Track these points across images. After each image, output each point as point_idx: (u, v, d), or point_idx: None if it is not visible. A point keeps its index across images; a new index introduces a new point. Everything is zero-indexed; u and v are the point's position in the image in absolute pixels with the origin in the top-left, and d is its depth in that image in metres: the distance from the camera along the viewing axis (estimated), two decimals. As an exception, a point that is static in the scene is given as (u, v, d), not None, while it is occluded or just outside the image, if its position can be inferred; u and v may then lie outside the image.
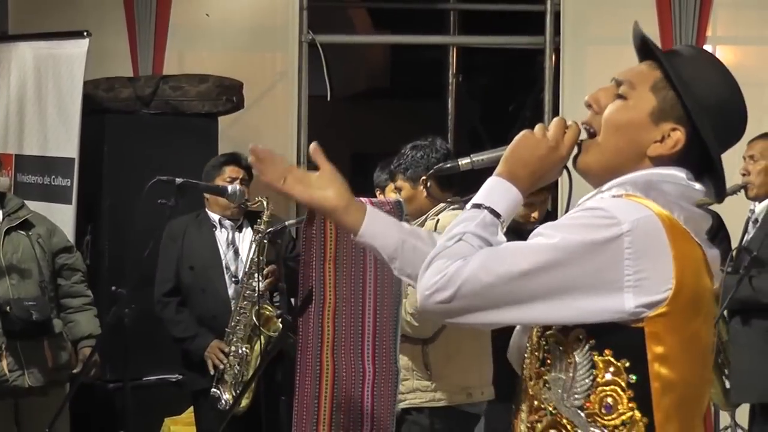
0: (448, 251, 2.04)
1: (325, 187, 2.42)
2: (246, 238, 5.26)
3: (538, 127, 2.18)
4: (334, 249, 2.94)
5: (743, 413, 5.51)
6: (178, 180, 4.51)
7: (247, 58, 7.40)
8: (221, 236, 5.34)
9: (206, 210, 5.40)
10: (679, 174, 2.13)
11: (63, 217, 5.91)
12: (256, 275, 4.93)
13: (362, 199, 2.92)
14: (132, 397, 4.87)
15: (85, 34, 6.21)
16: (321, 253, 2.95)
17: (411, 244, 2.37)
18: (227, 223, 5.34)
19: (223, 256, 5.29)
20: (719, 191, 2.20)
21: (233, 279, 5.23)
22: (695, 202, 2.14)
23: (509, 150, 2.16)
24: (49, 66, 6.33)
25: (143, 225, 5.20)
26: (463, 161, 2.32)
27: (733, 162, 5.64)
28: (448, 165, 2.37)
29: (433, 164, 4.35)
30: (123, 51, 7.15)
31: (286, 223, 4.84)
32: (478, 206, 2.11)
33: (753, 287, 4.77)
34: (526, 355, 2.21)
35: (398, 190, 4.41)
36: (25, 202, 5.24)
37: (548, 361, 2.13)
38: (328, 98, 7.74)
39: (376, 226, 2.37)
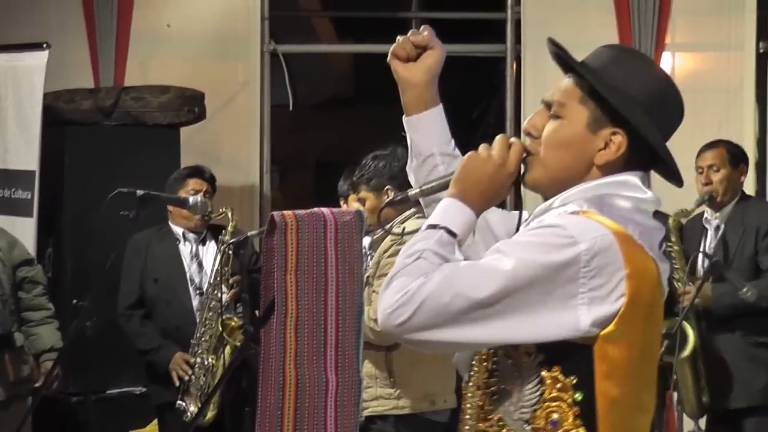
0: (408, 269, 2.05)
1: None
2: (210, 251, 5.26)
3: (482, 147, 2.19)
4: (295, 259, 2.93)
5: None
6: (140, 192, 4.49)
7: (208, 68, 7.38)
8: (185, 249, 5.34)
9: (170, 223, 5.39)
10: (631, 179, 2.15)
11: (24, 230, 5.88)
12: (221, 286, 4.93)
13: (322, 209, 2.93)
14: (95, 410, 4.86)
15: (44, 45, 6.19)
16: (282, 263, 2.94)
17: (433, 163, 2.44)
18: (191, 236, 5.35)
19: (187, 269, 5.30)
20: (676, 176, 2.22)
21: (198, 291, 5.23)
22: (649, 212, 2.16)
23: (458, 172, 2.18)
24: (9, 78, 6.30)
25: (105, 237, 5.19)
26: (413, 191, 2.35)
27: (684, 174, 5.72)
28: (399, 197, 2.40)
29: (396, 173, 4.36)
30: (84, 62, 7.12)
31: (248, 234, 4.84)
32: (433, 226, 2.13)
33: (752, 293, 4.80)
34: (474, 363, 2.22)
35: (362, 201, 4.40)
36: (-14, 216, 5.22)
37: (496, 373, 2.14)
38: (290, 107, 7.73)
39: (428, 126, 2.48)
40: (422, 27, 2.52)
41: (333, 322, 2.99)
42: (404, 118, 2.52)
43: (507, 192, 2.22)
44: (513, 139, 2.20)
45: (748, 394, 5.07)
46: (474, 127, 10.25)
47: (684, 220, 5.27)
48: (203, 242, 5.34)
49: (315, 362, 2.98)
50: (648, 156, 2.17)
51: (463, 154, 2.25)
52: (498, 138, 2.21)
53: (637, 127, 2.12)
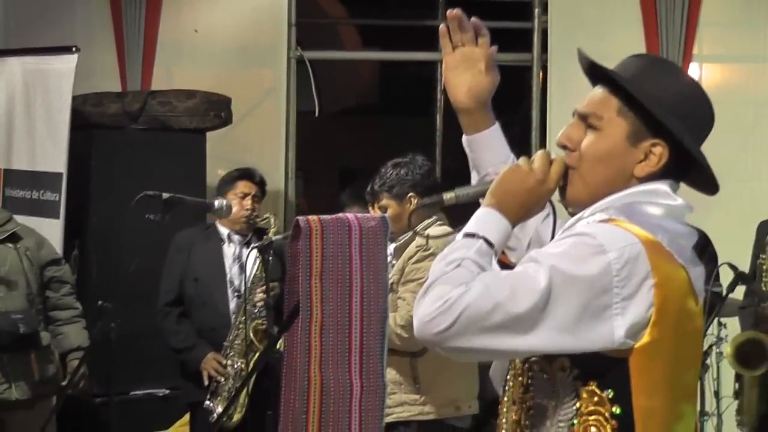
0: (448, 277, 2.03)
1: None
2: (252, 253, 5.26)
3: (522, 161, 2.19)
4: (320, 264, 2.94)
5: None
6: (165, 195, 4.52)
7: (235, 74, 7.41)
8: (228, 250, 5.36)
9: (216, 223, 5.42)
10: (661, 188, 2.15)
11: (51, 231, 5.91)
12: (256, 291, 4.95)
13: (347, 214, 2.94)
14: (118, 412, 4.88)
15: (73, 49, 6.23)
16: (307, 268, 2.95)
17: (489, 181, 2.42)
18: (236, 237, 5.37)
19: (228, 270, 5.32)
20: (710, 184, 2.22)
21: (236, 293, 5.24)
22: (680, 218, 2.16)
23: (497, 182, 2.17)
24: (38, 81, 6.34)
25: (130, 240, 5.21)
26: (448, 195, 2.32)
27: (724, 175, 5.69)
28: (433, 199, 2.39)
29: (418, 180, 4.37)
30: (111, 66, 7.17)
31: (273, 238, 4.87)
32: (471, 235, 2.11)
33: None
34: (508, 378, 2.22)
35: (383, 208, 4.40)
36: (13, 216, 5.25)
37: (532, 388, 2.14)
38: (316, 114, 7.76)
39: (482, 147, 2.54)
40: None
41: (358, 327, 3.00)
42: (463, 137, 2.57)
43: (542, 209, 2.23)
44: (555, 156, 2.20)
45: None
46: (499, 137, 10.22)
47: None
48: (247, 244, 5.35)
49: (340, 367, 2.99)
50: (683, 165, 2.17)
51: None
52: (540, 153, 2.20)
53: (679, 137, 2.12)
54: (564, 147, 2.21)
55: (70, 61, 6.22)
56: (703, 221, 5.22)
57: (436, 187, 4.26)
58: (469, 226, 2.14)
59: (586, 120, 2.18)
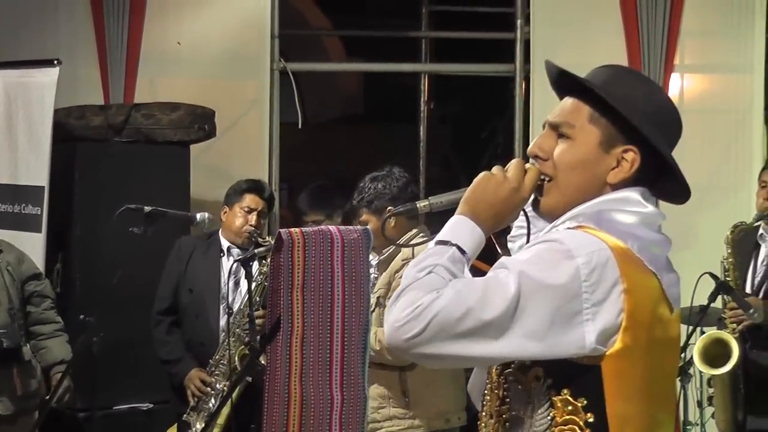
0: (419, 283, 2.04)
1: None
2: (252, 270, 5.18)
3: (497, 169, 2.19)
4: (302, 277, 2.95)
5: None
6: (147, 208, 4.51)
7: (218, 86, 7.40)
8: (227, 264, 5.23)
9: (219, 233, 5.35)
10: (632, 196, 2.15)
11: (33, 245, 5.89)
12: (247, 314, 4.86)
13: (329, 227, 2.94)
14: (102, 426, 4.87)
15: (55, 62, 6.21)
16: (289, 280, 2.95)
17: None
18: (235, 251, 5.27)
19: (223, 285, 5.21)
20: (681, 192, 2.22)
21: (228, 310, 5.12)
22: (654, 226, 2.16)
23: (471, 190, 2.17)
24: (20, 94, 6.31)
25: (113, 253, 5.19)
26: (422, 203, 2.32)
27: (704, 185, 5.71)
28: (407, 207, 2.38)
29: (396, 194, 4.37)
30: (94, 79, 7.15)
31: (255, 251, 4.85)
32: (444, 242, 2.11)
33: (758, 315, 4.81)
34: (485, 392, 2.22)
35: (363, 224, 4.39)
36: (-5, 230, 5.24)
37: (507, 400, 2.14)
38: (300, 125, 7.76)
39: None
40: None
41: (339, 339, 3.00)
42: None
43: (515, 218, 2.22)
44: (529, 165, 2.19)
45: None
46: (483, 147, 10.27)
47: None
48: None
49: (320, 379, 2.99)
50: (654, 172, 2.18)
51: (471, 172, 2.24)
52: (515, 161, 2.20)
53: (652, 142, 2.13)
54: (536, 157, 2.21)
55: (52, 74, 6.20)
56: (684, 231, 5.27)
57: (414, 199, 4.27)
58: (442, 234, 2.14)
59: (557, 129, 2.19)
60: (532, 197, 2.20)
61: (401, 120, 10.34)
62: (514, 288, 1.99)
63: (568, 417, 2.06)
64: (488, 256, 2.29)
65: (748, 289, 5.13)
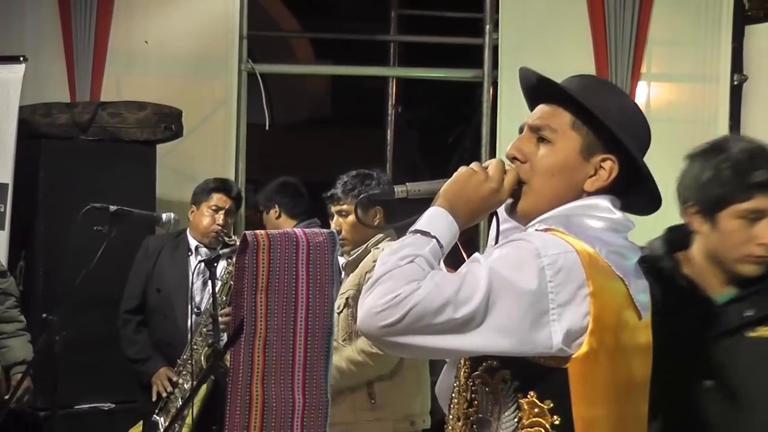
0: (400, 272, 2.03)
1: None
2: (218, 269, 5.17)
3: (477, 166, 2.18)
4: (266, 279, 2.94)
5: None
6: (112, 207, 4.49)
7: (185, 86, 7.37)
8: (194, 263, 5.23)
9: (187, 232, 5.33)
10: (601, 203, 2.17)
11: (-4, 242, 5.85)
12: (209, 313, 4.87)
13: (294, 229, 2.94)
14: (63, 426, 4.82)
15: (21, 59, 6.17)
16: (253, 283, 2.95)
17: None
18: (203, 250, 5.27)
19: (191, 285, 5.19)
20: (652, 202, 2.25)
21: (196, 310, 5.13)
22: (623, 232, 2.18)
23: (451, 184, 2.17)
24: (-16, 91, 6.27)
25: (77, 252, 5.15)
26: (399, 188, 2.29)
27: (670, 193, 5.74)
28: (384, 190, 2.36)
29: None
30: (60, 76, 7.10)
31: (220, 251, 4.85)
32: (425, 233, 2.10)
33: None
34: (453, 395, 2.23)
35: (345, 213, 4.33)
36: (-42, 227, 5.19)
37: (475, 402, 2.15)
38: (267, 127, 7.74)
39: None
40: None
41: (302, 342, 3.00)
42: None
43: (484, 218, 2.22)
44: (509, 166, 2.19)
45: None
46: (450, 152, 10.29)
47: None
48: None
49: (282, 382, 2.99)
50: (625, 182, 2.20)
51: (437, 177, 2.24)
52: (495, 161, 2.20)
53: (632, 153, 2.15)
54: (514, 159, 2.21)
55: (17, 70, 6.16)
56: (650, 237, 5.30)
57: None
58: (422, 224, 2.13)
59: (538, 132, 2.19)
60: (510, 201, 2.20)
61: (369, 124, 10.35)
62: (485, 283, 1.99)
63: (534, 419, 2.07)
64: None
65: None
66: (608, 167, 2.17)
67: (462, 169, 2.19)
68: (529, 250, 2.02)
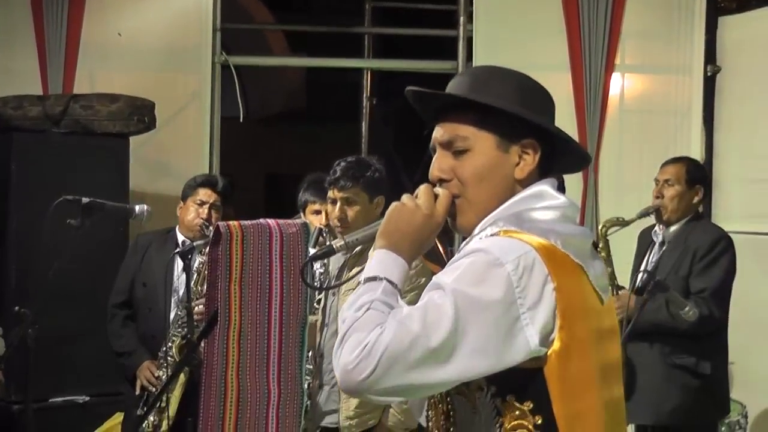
0: (361, 322, 2.00)
1: None
2: (197, 262, 5.17)
3: (407, 198, 2.18)
4: (240, 270, 2.94)
5: None
6: (85, 199, 4.46)
7: (159, 79, 7.34)
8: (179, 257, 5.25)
9: (176, 228, 5.38)
10: (543, 189, 2.18)
11: (-32, 236, 5.81)
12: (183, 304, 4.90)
13: (268, 220, 2.93)
14: (37, 419, 4.79)
15: (-8, 51, 6.14)
16: (227, 274, 2.95)
17: None
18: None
19: (176, 279, 5.24)
20: (580, 158, 2.27)
21: (179, 303, 5.17)
22: (572, 218, 2.18)
23: (385, 223, 2.16)
24: (-45, 83, 6.23)
25: (50, 245, 5.12)
26: (337, 243, 2.32)
27: (644, 184, 5.76)
28: (324, 250, 2.37)
29: (384, 176, 4.31)
30: (32, 69, 7.05)
31: (194, 243, 4.82)
32: (373, 278, 2.09)
33: (671, 314, 4.83)
34: (428, 408, 2.22)
35: (351, 201, 4.21)
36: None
37: (452, 413, 2.14)
38: (241, 120, 7.72)
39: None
40: None
41: (276, 333, 3.00)
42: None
43: (433, 241, 2.21)
44: (438, 189, 2.19)
45: (657, 414, 5.05)
46: (425, 144, 10.28)
47: (611, 229, 5.27)
48: (201, 254, 5.28)
49: (257, 374, 2.98)
50: (550, 154, 2.21)
51: (412, 170, 2.24)
52: (423, 188, 2.19)
53: (543, 125, 2.16)
54: (440, 180, 2.21)
55: (-11, 63, 6.13)
56: (623, 229, 5.31)
57: (391, 187, 4.24)
58: (369, 271, 2.11)
59: (451, 147, 2.19)
60: (449, 219, 2.20)
61: (343, 117, 10.34)
62: (451, 309, 1.97)
63: (516, 422, 2.06)
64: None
65: (639, 283, 5.12)
66: (530, 149, 2.17)
67: (392, 205, 2.19)
68: (488, 261, 2.00)
